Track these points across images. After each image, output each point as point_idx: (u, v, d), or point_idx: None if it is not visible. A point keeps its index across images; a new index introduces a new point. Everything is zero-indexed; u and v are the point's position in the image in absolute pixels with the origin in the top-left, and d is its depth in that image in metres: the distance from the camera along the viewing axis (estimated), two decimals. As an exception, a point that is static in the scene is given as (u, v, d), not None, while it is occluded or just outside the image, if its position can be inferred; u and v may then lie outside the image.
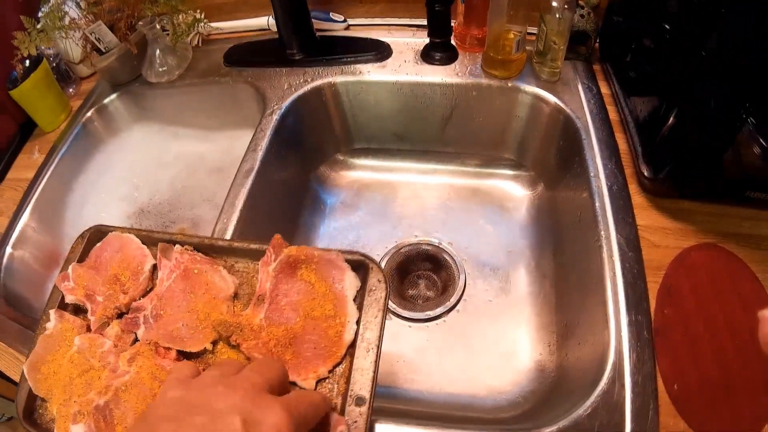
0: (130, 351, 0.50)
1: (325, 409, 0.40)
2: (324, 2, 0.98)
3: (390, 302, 0.82)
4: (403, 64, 0.90)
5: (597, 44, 0.87)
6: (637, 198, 0.70)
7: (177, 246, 0.55)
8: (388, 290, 0.50)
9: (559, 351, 0.75)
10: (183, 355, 0.50)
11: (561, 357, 0.74)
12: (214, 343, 0.50)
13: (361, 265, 0.51)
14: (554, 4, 0.74)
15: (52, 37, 0.88)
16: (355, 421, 0.43)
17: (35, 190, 0.91)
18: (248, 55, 0.98)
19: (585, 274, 0.70)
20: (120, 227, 0.59)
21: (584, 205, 0.73)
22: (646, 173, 0.70)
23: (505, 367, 0.77)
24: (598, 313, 0.62)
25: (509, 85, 0.85)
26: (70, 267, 0.56)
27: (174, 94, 0.99)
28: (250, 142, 0.84)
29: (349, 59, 0.91)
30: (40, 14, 0.90)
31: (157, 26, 0.92)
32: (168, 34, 0.94)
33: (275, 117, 0.87)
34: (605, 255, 0.65)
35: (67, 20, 0.90)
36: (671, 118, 0.67)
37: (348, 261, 0.51)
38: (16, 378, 0.58)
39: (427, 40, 0.89)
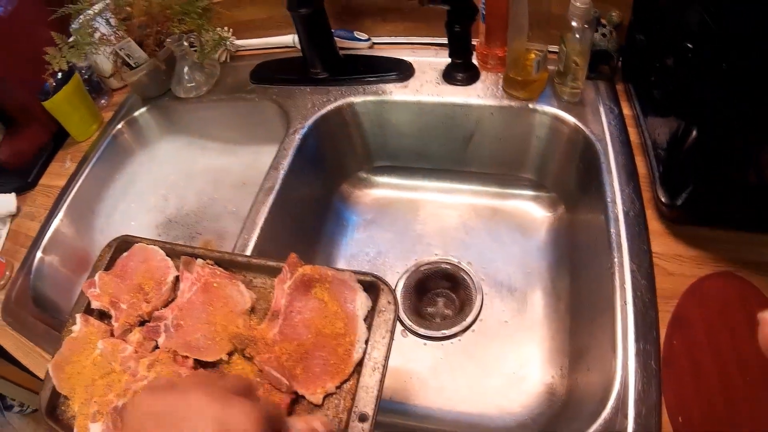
0: (150, 357, 0.52)
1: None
2: (349, 21, 1.00)
3: (407, 319, 0.83)
4: (425, 83, 0.91)
5: (620, 64, 0.86)
6: (654, 224, 0.69)
7: (199, 260, 0.57)
8: (397, 312, 0.51)
9: (570, 375, 0.75)
10: (199, 364, 0.52)
11: (572, 381, 0.74)
12: (230, 354, 0.52)
13: (372, 286, 0.53)
14: (574, 23, 0.73)
15: (82, 52, 0.92)
16: None
17: (67, 198, 0.95)
18: (273, 73, 1.00)
19: (597, 300, 0.70)
20: (146, 239, 0.62)
21: (599, 229, 0.72)
22: (663, 199, 0.68)
23: (517, 388, 0.77)
24: (607, 340, 0.61)
25: (529, 106, 0.85)
26: (97, 274, 0.59)
27: (202, 108, 1.02)
28: (273, 160, 0.86)
29: (372, 79, 0.93)
30: (71, 29, 0.94)
31: (185, 43, 0.95)
32: (196, 51, 0.97)
33: (297, 136, 0.88)
34: (617, 282, 0.64)
35: (97, 36, 0.93)
36: (691, 141, 0.66)
37: (360, 282, 0.53)
38: (41, 375, 0.61)
39: (450, 60, 0.90)
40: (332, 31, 0.93)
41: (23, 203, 0.98)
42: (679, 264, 0.65)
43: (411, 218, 0.99)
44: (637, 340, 0.59)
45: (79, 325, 0.56)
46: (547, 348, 0.80)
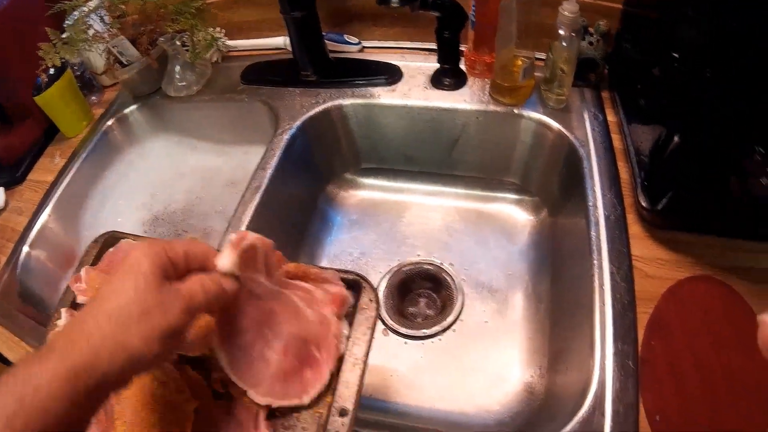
0: None
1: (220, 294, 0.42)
2: (339, 25, 1.01)
3: (389, 319, 0.84)
4: (413, 87, 0.93)
5: (606, 72, 0.87)
6: (635, 228, 0.70)
7: None
8: (378, 310, 0.52)
9: (548, 375, 0.76)
10: (184, 358, 0.52)
11: (550, 381, 0.75)
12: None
13: (355, 284, 0.54)
14: (561, 32, 0.75)
15: (75, 48, 0.92)
16: (338, 431, 0.45)
17: (55, 193, 0.95)
18: (264, 74, 1.01)
19: (576, 301, 0.71)
20: (133, 234, 0.62)
21: (580, 233, 0.73)
22: (644, 203, 0.69)
23: (496, 387, 0.78)
24: (585, 341, 0.63)
25: (515, 111, 0.86)
26: (83, 269, 0.59)
27: (192, 108, 1.03)
28: (261, 161, 0.87)
29: (361, 82, 0.94)
30: (65, 25, 0.94)
31: (177, 43, 0.96)
32: (188, 50, 0.98)
33: (285, 137, 0.89)
34: (596, 284, 0.65)
35: (91, 33, 0.93)
36: (673, 148, 0.67)
37: (343, 280, 0.54)
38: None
39: (438, 65, 0.92)
40: (323, 34, 0.94)
41: (11, 198, 0.98)
42: (658, 267, 0.66)
43: (396, 220, 1.00)
44: (615, 340, 0.60)
45: (64, 320, 0.57)
46: (527, 348, 0.81)
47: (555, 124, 0.84)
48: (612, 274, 0.66)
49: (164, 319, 0.37)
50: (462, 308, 0.86)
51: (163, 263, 0.39)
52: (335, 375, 0.49)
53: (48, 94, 0.96)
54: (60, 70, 0.97)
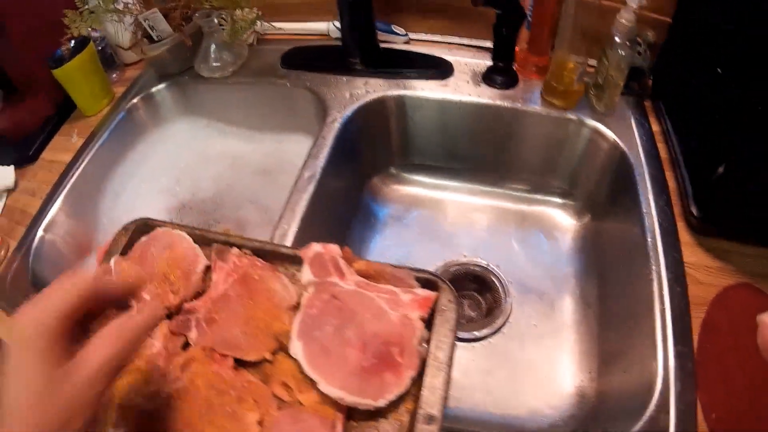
0: (184, 356, 0.48)
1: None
2: (387, 14, 0.98)
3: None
4: (463, 83, 0.91)
5: (650, 81, 0.88)
6: (683, 235, 0.72)
7: (234, 249, 0.54)
8: (459, 310, 0.50)
9: (600, 378, 0.76)
10: (239, 363, 0.48)
11: (602, 384, 0.75)
12: (274, 353, 0.48)
13: (429, 284, 0.51)
14: (617, 39, 0.75)
15: (104, 18, 0.86)
16: None
17: (72, 175, 0.89)
18: (308, 60, 0.97)
19: (632, 306, 0.71)
20: (170, 223, 0.57)
21: (635, 239, 0.74)
22: (694, 212, 0.71)
23: (547, 390, 0.78)
24: (646, 343, 0.64)
25: (567, 115, 0.86)
26: (113, 259, 0.53)
27: (225, 90, 0.98)
28: (312, 149, 0.83)
29: (411, 74, 0.91)
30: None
31: (215, 20, 0.90)
32: (224, 29, 0.92)
33: (337, 125, 0.86)
34: (655, 289, 0.66)
35: (120, 4, 0.88)
36: (724, 162, 0.68)
37: (417, 279, 0.51)
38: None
39: (488, 62, 0.90)
40: (373, 22, 0.91)
41: (22, 177, 0.91)
42: (707, 274, 0.68)
43: (440, 218, 0.98)
44: (675, 343, 0.61)
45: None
46: (577, 352, 0.81)
47: (609, 133, 0.84)
48: (669, 280, 0.67)
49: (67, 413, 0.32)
50: (511, 310, 0.85)
51: (57, 333, 0.33)
52: (416, 380, 0.46)
53: (69, 67, 0.89)
54: (82, 43, 0.90)
